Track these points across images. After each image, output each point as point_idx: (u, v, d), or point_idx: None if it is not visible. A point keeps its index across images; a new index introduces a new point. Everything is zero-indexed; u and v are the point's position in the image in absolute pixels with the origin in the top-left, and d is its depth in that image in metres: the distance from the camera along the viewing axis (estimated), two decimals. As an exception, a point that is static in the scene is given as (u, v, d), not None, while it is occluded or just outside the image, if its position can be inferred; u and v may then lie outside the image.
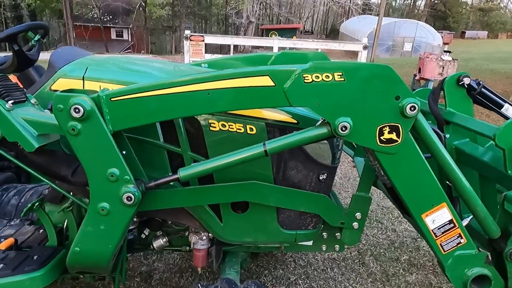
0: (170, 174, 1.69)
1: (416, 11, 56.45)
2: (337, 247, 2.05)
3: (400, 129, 1.36)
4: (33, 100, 1.63)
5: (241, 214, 1.77)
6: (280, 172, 1.73)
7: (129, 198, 1.42)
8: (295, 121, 1.69)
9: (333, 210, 1.79)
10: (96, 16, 31.60)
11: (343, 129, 1.33)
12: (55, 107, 1.34)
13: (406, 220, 3.21)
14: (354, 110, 1.33)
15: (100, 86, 1.70)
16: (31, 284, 1.60)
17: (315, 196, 1.75)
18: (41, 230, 1.92)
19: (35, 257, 1.69)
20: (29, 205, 1.72)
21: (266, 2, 34.66)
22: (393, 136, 1.37)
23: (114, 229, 1.50)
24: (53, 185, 1.66)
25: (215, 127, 1.65)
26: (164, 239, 1.99)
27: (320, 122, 1.48)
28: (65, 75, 1.76)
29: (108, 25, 34.06)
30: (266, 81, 1.34)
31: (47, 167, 1.61)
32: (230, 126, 1.65)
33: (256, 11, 29.50)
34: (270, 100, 1.37)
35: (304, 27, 48.37)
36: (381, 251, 3.19)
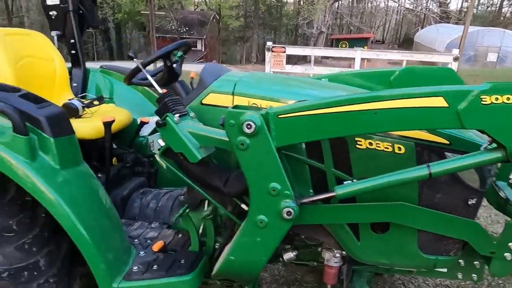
0: (311, 190, 1.71)
1: (501, 18, 52.23)
2: (474, 276, 1.91)
3: None
4: (192, 114, 1.74)
5: (380, 234, 1.72)
6: (426, 194, 1.66)
7: (289, 213, 1.46)
8: (447, 142, 1.61)
9: (484, 237, 1.68)
10: (173, 27, 33.55)
11: None
12: (227, 122, 1.42)
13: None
14: None
15: (249, 102, 1.78)
16: (183, 287, 1.70)
17: (466, 222, 1.65)
18: (179, 235, 2.04)
19: (182, 261, 1.80)
20: (181, 211, 1.85)
21: (338, 11, 34.36)
22: None
23: (269, 242, 1.55)
24: (205, 194, 1.75)
25: (361, 145, 1.63)
26: (294, 253, 2.00)
27: (485, 145, 1.41)
28: (215, 90, 1.86)
29: (184, 36, 35.91)
30: (439, 102, 1.30)
31: (201, 177, 1.70)
32: (377, 145, 1.62)
33: (327, 21, 29.32)
34: (440, 121, 1.33)
35: (374, 37, 47.04)
36: (500, 281, 2.94)
